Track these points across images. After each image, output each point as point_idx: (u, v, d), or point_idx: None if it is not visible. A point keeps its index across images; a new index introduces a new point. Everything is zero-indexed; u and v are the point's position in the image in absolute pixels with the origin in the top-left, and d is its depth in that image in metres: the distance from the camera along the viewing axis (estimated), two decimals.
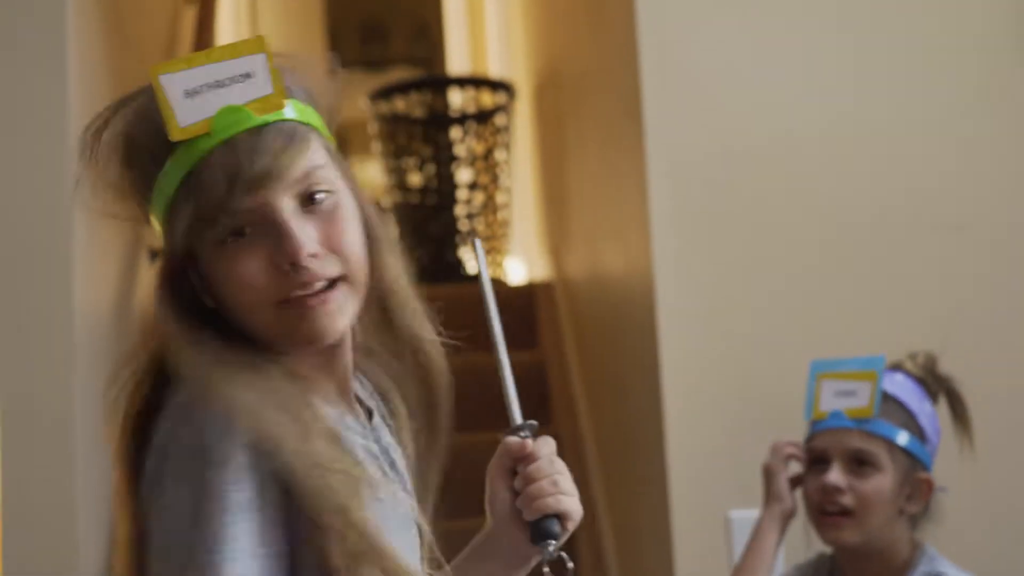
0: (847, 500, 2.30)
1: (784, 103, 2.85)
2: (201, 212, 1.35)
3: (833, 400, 2.34)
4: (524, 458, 1.48)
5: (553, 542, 1.45)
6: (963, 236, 2.84)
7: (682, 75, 2.84)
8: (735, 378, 2.77)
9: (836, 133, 2.85)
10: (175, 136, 1.35)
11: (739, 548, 2.68)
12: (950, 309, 2.82)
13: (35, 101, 3.12)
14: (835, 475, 2.31)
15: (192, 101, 1.35)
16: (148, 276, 4.20)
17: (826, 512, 2.32)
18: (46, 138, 3.19)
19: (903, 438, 2.32)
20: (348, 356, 1.47)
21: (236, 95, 1.37)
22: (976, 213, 2.84)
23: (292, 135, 1.38)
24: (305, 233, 1.37)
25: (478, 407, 4.58)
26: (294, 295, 1.36)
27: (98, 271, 3.51)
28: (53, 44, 3.10)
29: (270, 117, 1.37)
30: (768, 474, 2.36)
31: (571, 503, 1.48)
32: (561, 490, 1.48)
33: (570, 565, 1.45)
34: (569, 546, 4.36)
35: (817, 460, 2.35)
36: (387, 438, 1.52)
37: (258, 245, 1.37)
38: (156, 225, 1.41)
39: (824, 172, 2.83)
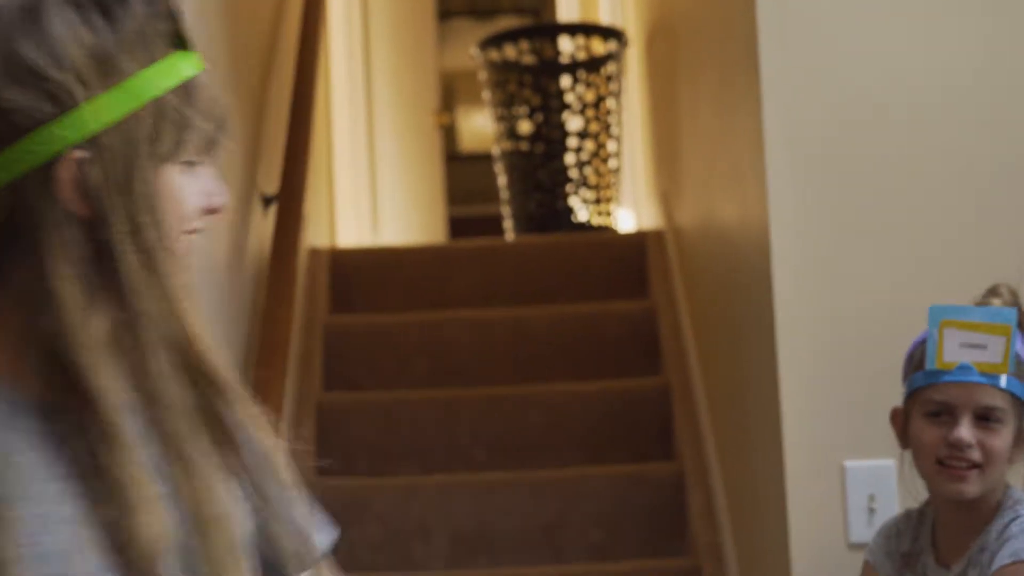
0: (976, 455, 2.29)
1: (906, 51, 2.81)
2: (204, 125, 1.33)
3: (960, 351, 2.29)
4: None
5: None
6: None
7: (800, 22, 2.81)
8: (850, 328, 2.75)
9: (960, 83, 2.80)
10: (191, 45, 1.33)
11: (853, 498, 2.68)
12: None
13: None
14: (966, 431, 2.29)
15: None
16: (260, 222, 4.25)
17: (949, 465, 2.30)
18: None
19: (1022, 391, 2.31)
20: None
21: None
22: None
23: None
24: None
25: (585, 355, 4.61)
26: (199, 228, 1.37)
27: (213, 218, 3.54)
28: None
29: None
30: None
31: None
32: None
33: None
34: (680, 500, 4.37)
35: (940, 412, 2.32)
36: None
37: (201, 179, 1.35)
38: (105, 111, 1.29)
39: (947, 123, 2.79)
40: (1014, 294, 2.38)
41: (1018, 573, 2.24)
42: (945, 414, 2.31)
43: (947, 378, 2.30)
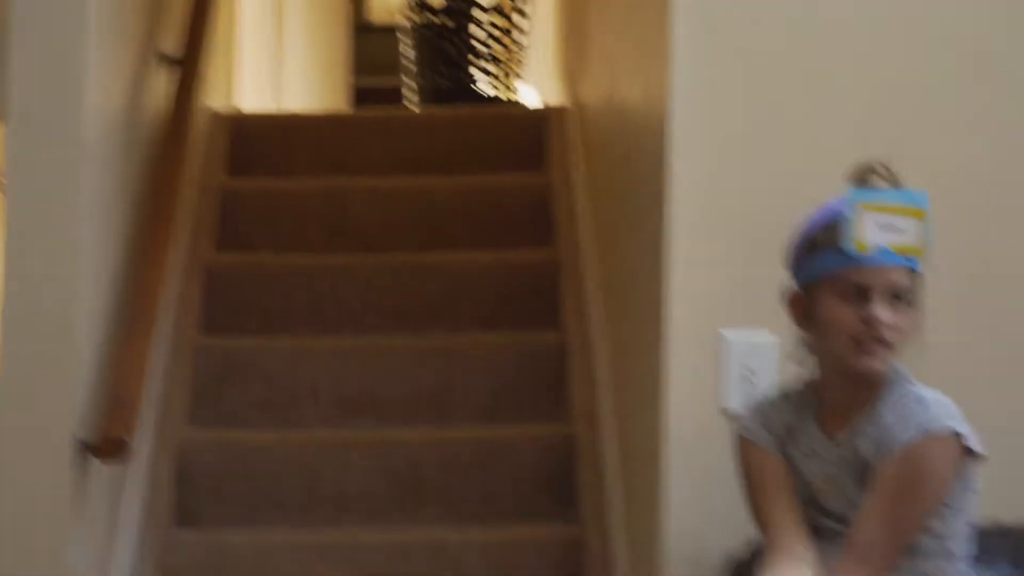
0: (890, 334, 2.34)
1: None
2: None
3: (878, 234, 2.32)
4: None
5: None
6: None
7: None
8: (739, 205, 2.77)
9: None
10: None
11: (729, 366, 2.72)
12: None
13: None
14: (882, 310, 2.33)
15: None
16: (158, 83, 4.20)
17: (864, 342, 2.34)
18: None
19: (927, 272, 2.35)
20: None
21: None
22: None
23: None
24: None
25: (484, 226, 4.61)
26: None
27: (110, 74, 3.52)
28: None
29: None
30: None
31: None
32: None
33: None
34: (562, 368, 4.36)
35: (855, 292, 2.35)
36: None
37: None
38: None
39: (862, 14, 2.80)
40: (890, 171, 2.40)
41: (929, 447, 2.30)
42: (859, 295, 2.35)
43: (866, 261, 2.33)
